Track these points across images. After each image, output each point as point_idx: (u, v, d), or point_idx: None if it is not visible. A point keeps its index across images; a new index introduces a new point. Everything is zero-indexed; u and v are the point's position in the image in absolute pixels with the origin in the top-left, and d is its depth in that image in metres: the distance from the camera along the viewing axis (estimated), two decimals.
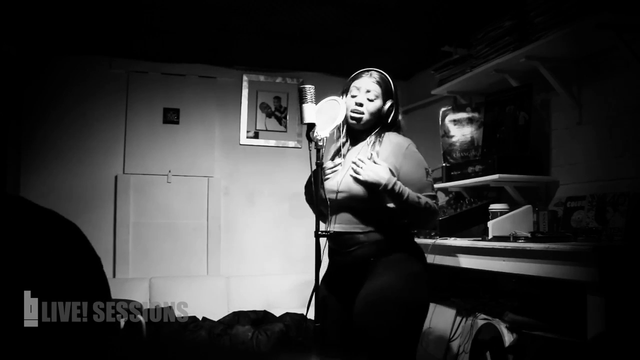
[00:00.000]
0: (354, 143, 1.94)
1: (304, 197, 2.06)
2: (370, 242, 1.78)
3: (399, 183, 1.75)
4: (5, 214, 0.78)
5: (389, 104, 1.87)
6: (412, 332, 1.80)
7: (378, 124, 1.89)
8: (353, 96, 1.87)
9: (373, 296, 1.74)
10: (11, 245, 0.75)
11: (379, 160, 1.77)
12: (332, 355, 1.84)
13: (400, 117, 1.94)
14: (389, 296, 1.73)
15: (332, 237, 1.83)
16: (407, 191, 1.75)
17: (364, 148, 1.88)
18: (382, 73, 1.91)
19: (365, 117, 1.86)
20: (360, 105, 1.85)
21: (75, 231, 0.80)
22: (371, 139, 1.88)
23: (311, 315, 1.82)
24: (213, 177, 3.99)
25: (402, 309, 1.73)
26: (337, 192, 1.81)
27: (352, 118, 1.86)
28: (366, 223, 1.80)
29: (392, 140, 1.84)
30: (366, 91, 1.87)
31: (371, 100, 1.86)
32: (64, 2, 2.82)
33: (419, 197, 1.76)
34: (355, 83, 1.89)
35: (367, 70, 1.91)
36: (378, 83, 1.87)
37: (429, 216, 1.81)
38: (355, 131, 1.93)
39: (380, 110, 1.87)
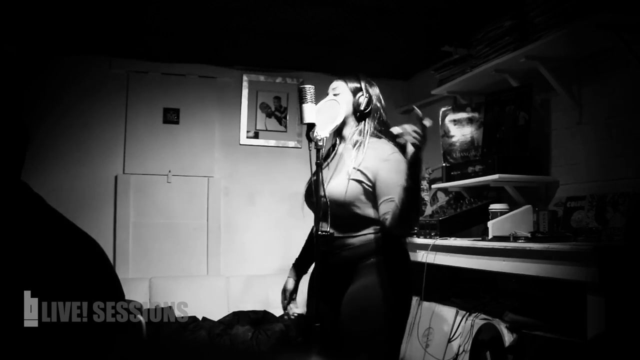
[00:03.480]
0: (339, 143, 1.97)
1: (304, 197, 2.07)
2: (349, 246, 1.81)
3: None
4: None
5: (358, 95, 1.92)
6: (393, 332, 1.83)
7: (353, 117, 1.92)
8: None
9: (353, 301, 1.78)
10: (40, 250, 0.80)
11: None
12: (330, 353, 1.85)
13: (381, 112, 1.94)
14: (369, 298, 1.77)
15: (324, 238, 1.84)
16: None
17: (348, 150, 1.89)
18: (352, 74, 1.98)
19: None
20: None
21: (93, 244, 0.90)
22: (355, 137, 1.90)
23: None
24: (213, 177, 3.99)
25: (381, 310, 1.76)
26: (324, 197, 1.83)
27: None
28: (347, 228, 1.82)
29: (377, 147, 1.85)
30: (332, 89, 1.95)
31: (336, 95, 1.92)
32: (64, 2, 2.82)
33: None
34: (328, 89, 1.98)
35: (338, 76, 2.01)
36: (343, 81, 1.95)
37: (412, 222, 1.88)
38: (338, 130, 1.96)
39: (349, 102, 1.91)
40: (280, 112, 4.15)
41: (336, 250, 1.83)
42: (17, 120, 0.98)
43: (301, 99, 1.80)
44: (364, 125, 1.91)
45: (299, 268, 2.10)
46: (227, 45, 3.56)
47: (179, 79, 3.93)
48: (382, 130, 1.92)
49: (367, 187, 1.80)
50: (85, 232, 0.93)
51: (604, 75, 2.38)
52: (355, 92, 1.92)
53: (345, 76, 1.97)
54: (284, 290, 2.07)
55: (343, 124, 1.93)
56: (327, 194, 1.81)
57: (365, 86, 1.94)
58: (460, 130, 3.07)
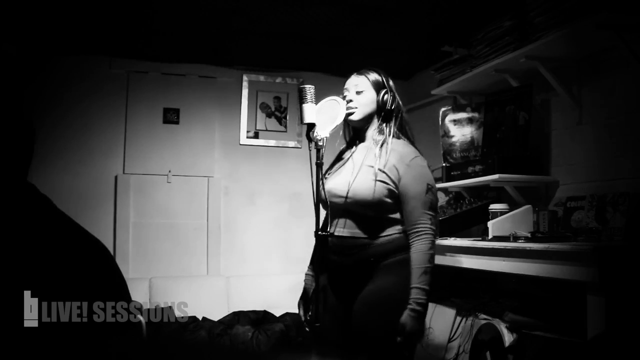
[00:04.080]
0: (358, 142, 1.95)
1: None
2: (371, 245, 1.79)
3: (414, 306, 1.70)
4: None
5: (382, 92, 1.88)
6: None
7: (377, 116, 1.90)
8: (344, 97, 1.90)
9: (373, 297, 1.76)
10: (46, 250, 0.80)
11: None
12: (332, 355, 1.84)
13: (402, 110, 1.93)
14: (388, 297, 1.75)
15: (334, 238, 1.83)
16: (422, 292, 1.71)
17: (370, 149, 1.88)
18: (370, 68, 1.94)
19: (359, 110, 1.88)
20: (350, 101, 1.88)
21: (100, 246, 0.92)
22: (376, 137, 1.88)
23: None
24: (213, 177, 3.99)
25: (400, 310, 1.73)
26: (346, 197, 1.81)
27: (348, 115, 1.88)
28: (369, 228, 1.81)
29: (399, 149, 1.83)
30: (354, 85, 1.90)
31: (359, 93, 1.89)
32: (64, 2, 2.82)
33: (423, 268, 1.73)
34: (345, 85, 1.93)
35: (357, 71, 1.95)
36: (365, 76, 1.91)
37: (433, 253, 1.78)
38: (358, 129, 1.94)
39: (374, 101, 1.89)
40: (280, 112, 4.15)
41: (353, 250, 1.81)
42: (23, 119, 0.98)
43: (301, 99, 1.80)
44: (387, 124, 1.88)
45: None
46: (227, 45, 3.56)
47: (179, 79, 3.93)
48: (402, 130, 1.91)
49: (391, 189, 1.79)
50: (92, 234, 0.93)
51: (604, 75, 2.38)
52: (378, 89, 1.89)
53: (365, 72, 1.92)
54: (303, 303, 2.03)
55: (366, 122, 1.91)
56: (351, 194, 1.80)
57: (388, 83, 1.91)
58: (460, 130, 3.07)
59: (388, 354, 1.74)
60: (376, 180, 1.78)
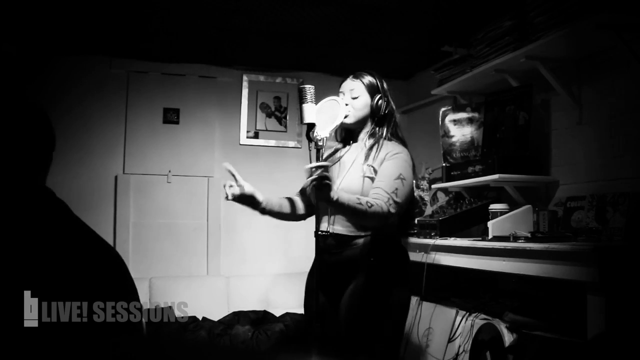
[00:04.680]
0: (352, 142, 1.99)
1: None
2: (358, 244, 1.82)
3: (336, 194, 1.68)
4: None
5: (377, 97, 1.91)
6: (393, 331, 1.85)
7: (370, 119, 1.94)
8: None
9: (356, 297, 1.79)
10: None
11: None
12: (330, 353, 1.85)
13: (395, 114, 1.96)
14: (371, 297, 1.77)
15: (325, 237, 1.84)
16: (345, 198, 1.68)
17: (362, 149, 1.91)
18: (365, 72, 1.96)
19: (353, 113, 1.91)
20: (346, 105, 1.90)
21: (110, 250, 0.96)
22: (366, 140, 1.92)
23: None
24: (213, 177, 3.99)
25: (382, 309, 1.77)
26: None
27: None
28: (359, 226, 1.82)
29: (389, 148, 1.87)
30: (350, 90, 1.93)
31: (355, 98, 1.91)
32: (64, 2, 2.82)
33: (359, 200, 1.69)
34: (341, 88, 1.96)
35: (353, 74, 1.97)
36: (360, 81, 1.93)
37: (371, 219, 1.73)
38: (351, 131, 1.98)
39: (368, 105, 1.92)
40: (280, 112, 4.15)
41: (339, 249, 1.83)
42: (40, 123, 0.99)
43: (301, 99, 1.80)
44: (380, 128, 1.92)
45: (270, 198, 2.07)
46: (227, 45, 3.56)
47: (179, 79, 3.92)
48: (394, 133, 1.93)
49: None
50: (104, 239, 0.94)
51: (604, 75, 2.38)
52: (372, 93, 1.92)
53: (360, 76, 1.94)
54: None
55: (359, 125, 1.94)
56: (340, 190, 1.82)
57: (383, 87, 1.94)
58: (460, 130, 3.07)
59: (386, 353, 1.76)
60: (364, 176, 1.81)
